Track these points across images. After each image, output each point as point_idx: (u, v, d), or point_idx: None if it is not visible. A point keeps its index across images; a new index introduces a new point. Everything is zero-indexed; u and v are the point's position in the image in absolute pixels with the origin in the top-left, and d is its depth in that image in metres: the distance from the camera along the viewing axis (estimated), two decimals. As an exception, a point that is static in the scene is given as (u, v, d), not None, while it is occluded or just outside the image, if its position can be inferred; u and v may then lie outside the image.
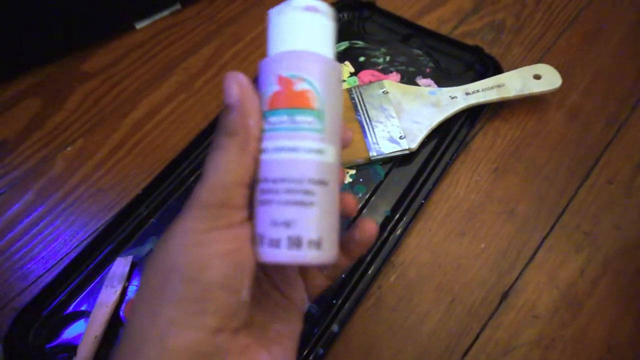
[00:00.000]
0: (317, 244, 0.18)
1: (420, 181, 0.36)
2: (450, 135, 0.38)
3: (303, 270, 0.23)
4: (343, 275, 0.33)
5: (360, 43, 0.45)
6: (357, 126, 0.38)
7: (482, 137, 0.39)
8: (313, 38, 0.19)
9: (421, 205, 0.35)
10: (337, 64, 0.20)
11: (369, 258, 0.33)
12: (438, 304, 0.32)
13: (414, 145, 0.37)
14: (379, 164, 0.37)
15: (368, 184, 0.37)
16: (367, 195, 0.36)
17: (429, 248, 0.34)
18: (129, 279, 0.33)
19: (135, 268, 0.34)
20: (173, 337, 0.16)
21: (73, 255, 0.34)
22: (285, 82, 0.18)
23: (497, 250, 0.34)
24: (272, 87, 0.18)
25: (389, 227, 0.34)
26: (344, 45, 0.45)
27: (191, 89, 0.45)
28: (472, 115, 0.39)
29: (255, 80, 0.19)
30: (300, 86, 0.18)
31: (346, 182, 0.37)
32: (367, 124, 0.38)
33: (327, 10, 0.19)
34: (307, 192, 0.18)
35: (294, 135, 0.18)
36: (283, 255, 0.17)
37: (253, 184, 0.18)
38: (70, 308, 0.33)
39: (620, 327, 0.31)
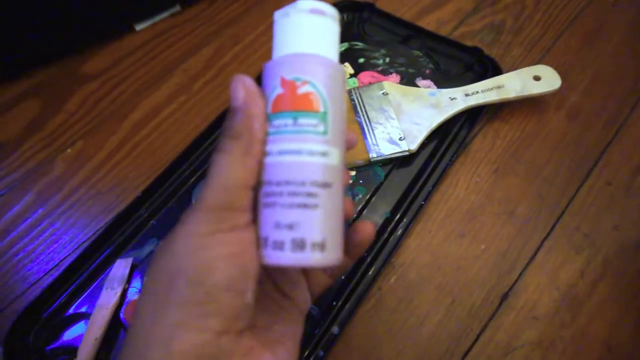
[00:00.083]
0: (321, 246, 0.18)
1: (420, 182, 0.36)
2: (450, 137, 0.39)
3: (305, 269, 0.23)
4: (343, 277, 0.33)
5: (360, 44, 0.45)
6: (356, 127, 0.38)
7: (482, 138, 0.39)
8: (317, 41, 0.19)
9: (421, 206, 0.35)
10: (341, 67, 0.20)
11: (369, 259, 0.33)
12: (438, 305, 0.32)
13: (414, 146, 0.37)
14: (379, 166, 0.38)
15: (368, 186, 0.37)
16: (367, 197, 0.36)
17: (429, 249, 0.34)
18: (129, 281, 0.33)
19: (135, 270, 0.34)
20: (178, 340, 0.16)
21: (73, 257, 0.34)
22: (289, 85, 0.18)
23: (497, 252, 0.34)
24: (275, 90, 0.18)
25: (389, 229, 0.34)
26: (344, 46, 0.45)
27: (191, 90, 0.45)
28: (471, 117, 0.39)
29: (258, 82, 0.19)
30: (303, 89, 0.18)
31: (346, 183, 0.37)
32: (366, 125, 0.38)
33: (332, 12, 0.19)
34: (310, 195, 0.18)
35: (297, 138, 0.18)
36: (287, 257, 0.17)
37: (257, 186, 0.18)
38: (71, 310, 0.33)
39: (621, 328, 0.31)
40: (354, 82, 0.42)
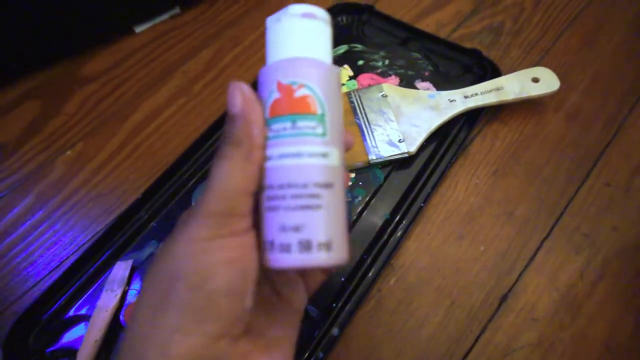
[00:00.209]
0: (327, 246, 0.18)
1: (419, 184, 0.36)
2: (449, 139, 0.39)
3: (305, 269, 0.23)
4: (343, 279, 0.33)
5: (359, 46, 0.45)
6: (356, 130, 0.38)
7: (481, 140, 0.40)
8: (311, 44, 0.19)
9: (420, 208, 0.35)
10: (336, 68, 0.20)
11: (368, 261, 0.33)
12: (437, 307, 0.32)
13: (413, 148, 0.37)
14: (378, 168, 0.38)
15: (367, 188, 0.37)
16: (367, 199, 0.36)
17: (428, 251, 0.34)
18: (129, 283, 0.33)
19: (135, 272, 0.34)
20: (176, 344, 0.16)
21: (73, 259, 0.34)
22: (286, 89, 0.18)
23: (497, 253, 0.34)
24: (272, 95, 0.19)
25: (388, 231, 0.34)
26: (343, 48, 0.45)
27: (190, 92, 0.45)
28: (470, 119, 0.39)
29: (255, 86, 0.19)
30: (300, 92, 0.18)
31: (345, 185, 0.37)
32: (366, 127, 0.38)
33: (324, 15, 0.20)
34: (313, 196, 0.18)
35: (297, 141, 0.18)
36: (294, 259, 0.18)
37: (258, 192, 0.19)
38: (71, 312, 0.33)
39: (620, 329, 0.31)
40: (353, 84, 0.43)
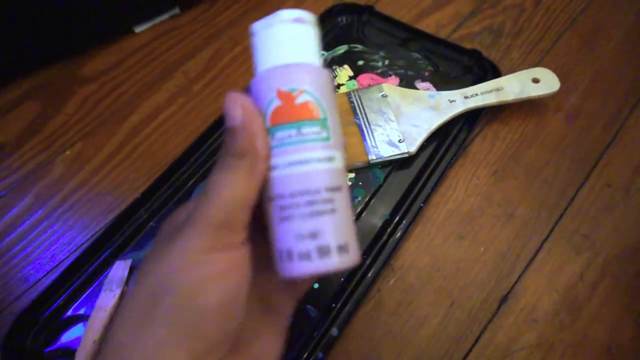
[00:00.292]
0: (345, 249, 0.18)
1: (419, 185, 0.36)
2: (449, 139, 0.39)
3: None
4: (342, 279, 0.33)
5: (359, 47, 0.45)
6: (356, 130, 0.38)
7: (481, 140, 0.39)
8: (305, 49, 0.19)
9: (420, 208, 0.35)
10: (328, 71, 0.20)
11: (368, 261, 0.33)
12: (437, 307, 0.32)
13: (413, 148, 0.37)
14: (378, 168, 0.38)
15: (367, 188, 0.37)
16: (366, 199, 0.36)
17: (428, 252, 0.34)
18: (127, 282, 0.33)
19: (134, 272, 0.34)
20: (163, 358, 0.15)
21: (72, 259, 0.34)
22: (286, 96, 0.18)
23: (496, 254, 0.34)
24: (273, 103, 0.18)
25: (388, 231, 0.34)
26: (343, 48, 0.45)
27: (190, 92, 0.45)
28: (470, 119, 0.39)
29: (248, 92, 0.19)
30: (302, 98, 0.18)
31: (345, 185, 0.37)
32: (366, 127, 0.38)
33: (312, 19, 0.20)
34: (327, 201, 0.18)
35: (304, 148, 0.18)
36: (315, 266, 0.17)
37: (262, 203, 0.18)
38: (69, 312, 0.33)
39: (620, 330, 0.31)
40: (353, 85, 0.42)
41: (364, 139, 0.37)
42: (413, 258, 0.34)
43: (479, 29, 0.47)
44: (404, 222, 0.35)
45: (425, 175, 0.37)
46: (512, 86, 0.39)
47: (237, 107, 0.18)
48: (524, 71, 0.39)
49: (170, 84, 0.46)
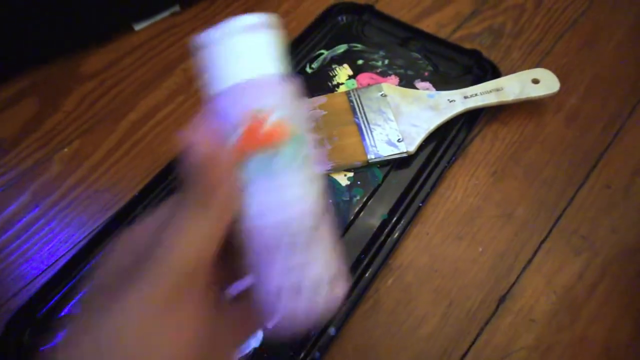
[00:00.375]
0: (335, 279, 0.17)
1: (418, 184, 0.36)
2: (448, 139, 0.38)
3: None
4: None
5: (359, 46, 0.45)
6: (355, 129, 0.38)
7: (481, 140, 0.39)
8: (266, 59, 0.16)
9: (419, 208, 0.35)
10: (291, 78, 0.17)
11: (366, 261, 0.33)
12: (435, 307, 0.32)
13: (412, 148, 0.36)
14: (377, 167, 0.37)
15: (366, 187, 0.37)
16: (365, 198, 0.36)
17: (427, 251, 0.34)
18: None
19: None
20: None
21: (69, 257, 0.34)
22: (254, 118, 0.15)
23: (495, 254, 0.34)
24: (239, 129, 0.15)
25: (386, 230, 0.34)
26: (343, 48, 0.45)
27: (189, 90, 0.45)
28: (470, 119, 0.39)
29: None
30: (272, 118, 0.16)
31: (343, 184, 0.37)
32: (365, 126, 0.38)
33: (269, 21, 0.17)
34: (312, 229, 0.16)
35: (280, 174, 0.16)
36: (307, 300, 0.16)
37: (240, 241, 0.16)
38: (66, 310, 0.32)
39: (619, 331, 0.31)
40: (352, 84, 0.42)
41: (363, 139, 0.37)
42: (411, 258, 0.34)
43: (480, 29, 0.47)
44: (402, 221, 0.34)
45: (424, 175, 0.37)
46: (512, 86, 0.39)
47: (198, 138, 0.15)
48: (524, 72, 0.39)
49: (169, 82, 0.45)
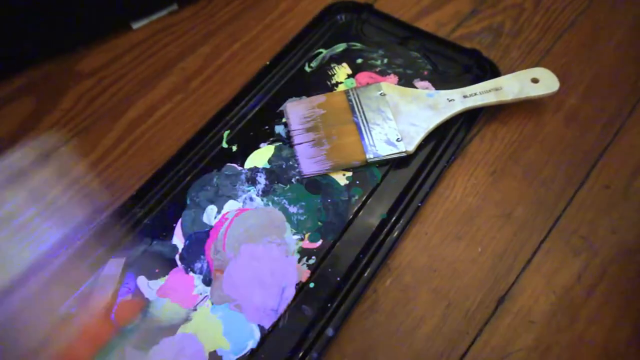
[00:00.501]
0: None
1: (417, 184, 0.36)
2: (447, 138, 0.38)
3: None
4: (338, 278, 0.32)
5: (358, 45, 0.45)
6: (353, 128, 0.37)
7: (480, 140, 0.39)
8: None
9: (418, 208, 0.35)
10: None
11: (364, 261, 0.33)
12: (434, 308, 0.32)
13: (411, 147, 0.36)
14: (376, 167, 0.37)
15: (364, 187, 0.36)
16: (364, 198, 0.36)
17: (425, 252, 0.34)
18: (121, 281, 0.33)
19: (127, 270, 0.33)
20: None
21: (64, 257, 0.33)
22: None
23: (494, 254, 0.34)
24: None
25: (385, 230, 0.34)
26: (342, 47, 0.45)
27: (188, 89, 0.44)
28: (469, 118, 0.39)
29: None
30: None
31: (342, 184, 0.36)
32: (364, 126, 0.37)
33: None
34: None
35: None
36: None
37: None
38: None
39: (618, 333, 0.31)
40: (351, 83, 0.42)
41: (362, 138, 0.37)
42: (410, 258, 0.34)
43: (479, 28, 0.47)
44: (401, 221, 0.34)
45: (423, 174, 0.37)
46: (512, 86, 0.38)
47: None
48: (524, 71, 0.39)
49: (167, 81, 0.45)
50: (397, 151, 0.36)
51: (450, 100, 0.38)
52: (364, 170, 0.37)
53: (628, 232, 0.34)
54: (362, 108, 0.38)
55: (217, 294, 0.32)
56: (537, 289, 0.32)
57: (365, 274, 0.32)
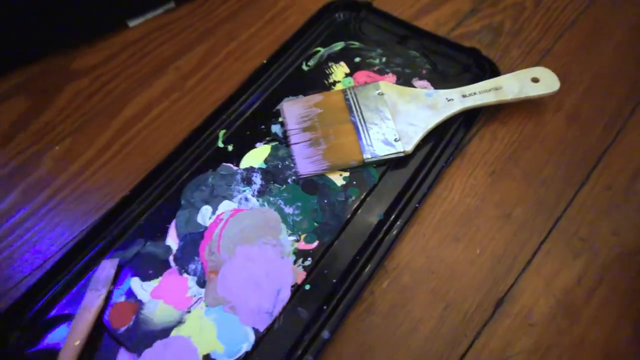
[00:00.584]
0: None
1: (414, 184, 0.36)
2: (446, 138, 0.38)
3: None
4: (334, 280, 0.32)
5: (356, 44, 0.44)
6: (351, 128, 0.37)
7: (479, 140, 0.39)
8: None
9: (415, 209, 0.34)
10: None
11: (361, 262, 0.32)
12: (431, 310, 0.31)
13: (409, 148, 0.36)
14: (373, 167, 0.37)
15: (362, 187, 0.36)
16: (361, 198, 0.35)
17: (423, 253, 0.34)
18: (114, 282, 0.32)
19: (121, 271, 0.33)
20: None
21: (58, 257, 0.33)
22: None
23: (493, 256, 0.33)
24: None
25: (382, 231, 0.34)
26: (340, 45, 0.44)
27: (184, 87, 0.44)
28: (468, 118, 0.39)
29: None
30: None
31: (339, 184, 0.36)
32: (361, 125, 0.37)
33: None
34: None
35: None
36: None
37: None
38: (54, 311, 0.32)
39: (618, 334, 0.30)
40: (349, 82, 0.42)
41: (359, 138, 0.36)
42: (407, 259, 0.33)
43: (479, 27, 0.46)
44: (398, 222, 0.34)
45: (421, 175, 0.36)
46: (511, 85, 0.38)
47: None
48: (524, 70, 0.39)
49: (163, 79, 0.45)
50: (395, 151, 0.36)
51: (449, 100, 0.38)
52: (361, 170, 0.37)
53: (629, 234, 0.34)
54: (359, 107, 0.38)
55: (212, 296, 0.32)
56: (536, 291, 0.32)
57: (362, 276, 0.32)
